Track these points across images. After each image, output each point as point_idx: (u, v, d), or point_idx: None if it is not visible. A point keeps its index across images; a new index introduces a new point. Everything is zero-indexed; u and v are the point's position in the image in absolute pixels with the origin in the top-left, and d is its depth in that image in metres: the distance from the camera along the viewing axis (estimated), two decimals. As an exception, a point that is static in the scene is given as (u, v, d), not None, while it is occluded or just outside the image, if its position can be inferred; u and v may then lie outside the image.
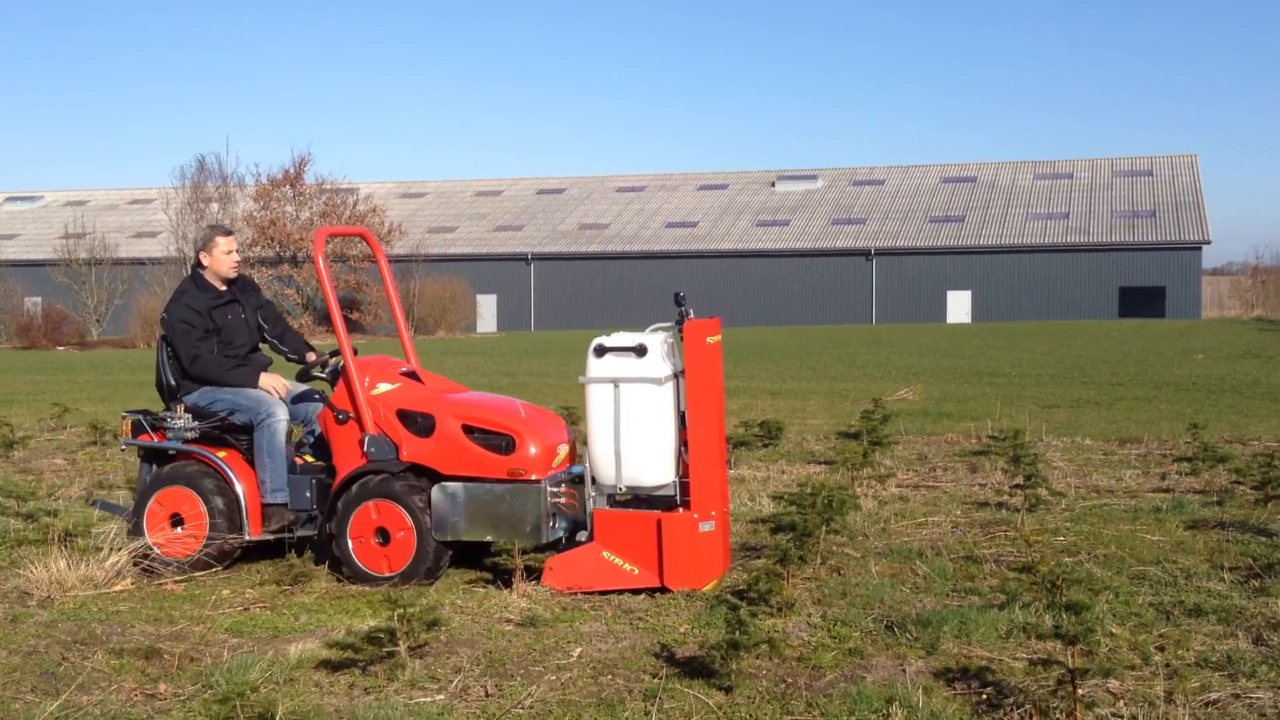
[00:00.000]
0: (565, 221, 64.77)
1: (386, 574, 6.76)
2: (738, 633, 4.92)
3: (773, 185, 66.55)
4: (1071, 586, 5.57)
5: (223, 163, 75.11)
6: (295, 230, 54.36)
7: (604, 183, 70.28)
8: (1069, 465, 10.68)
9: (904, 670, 5.16)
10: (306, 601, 6.51)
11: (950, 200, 62.24)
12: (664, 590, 6.43)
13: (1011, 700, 4.69)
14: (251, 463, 7.20)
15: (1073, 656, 4.59)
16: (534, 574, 6.57)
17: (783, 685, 5.01)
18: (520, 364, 28.10)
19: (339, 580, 6.87)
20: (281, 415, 7.17)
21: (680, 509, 6.56)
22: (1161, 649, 5.39)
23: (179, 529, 7.07)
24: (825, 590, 6.45)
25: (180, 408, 7.28)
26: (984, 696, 4.81)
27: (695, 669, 5.14)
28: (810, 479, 8.80)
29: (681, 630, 5.84)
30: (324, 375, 7.42)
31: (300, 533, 7.17)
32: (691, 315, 6.65)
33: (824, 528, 6.85)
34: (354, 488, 6.86)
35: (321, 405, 7.40)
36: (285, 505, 7.13)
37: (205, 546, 7.04)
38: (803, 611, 6.03)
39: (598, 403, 6.64)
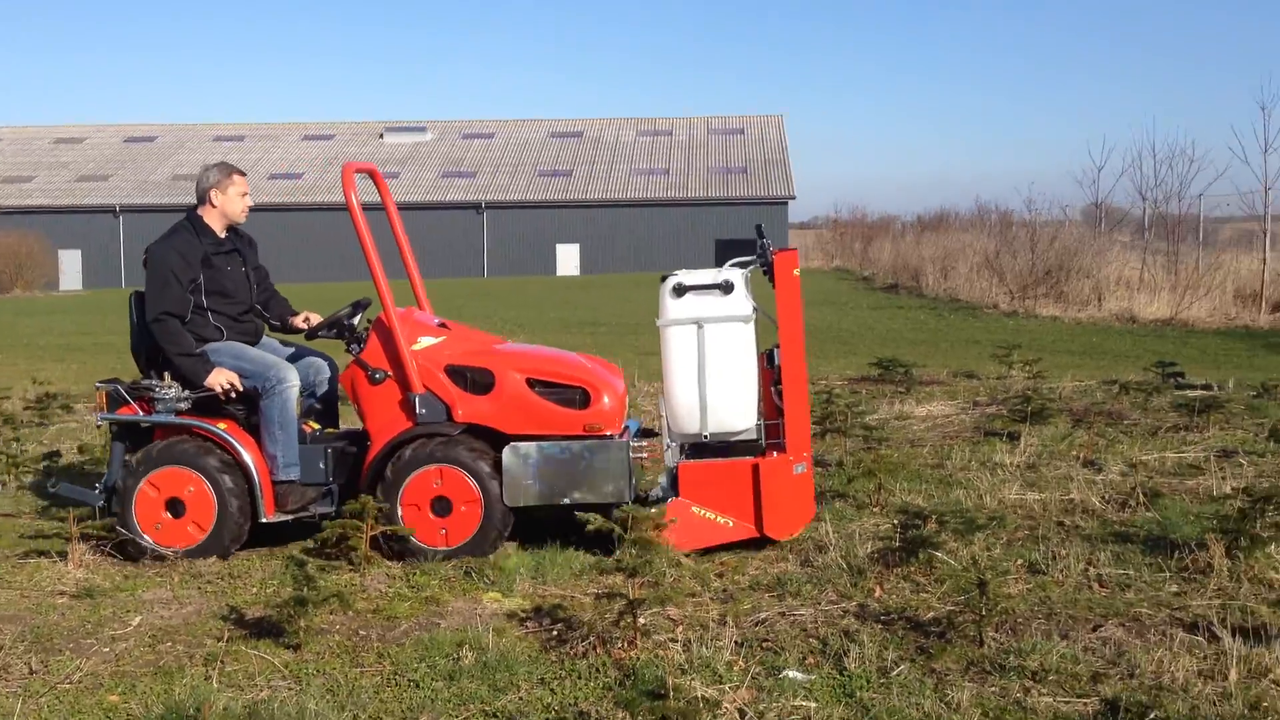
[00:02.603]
0: (157, 172, 60.97)
1: (447, 547, 6.09)
2: (305, 589, 4.81)
3: (381, 136, 65.39)
4: (642, 524, 5.80)
5: None
6: None
7: (199, 131, 66.65)
8: (658, 409, 11.11)
9: (479, 614, 5.22)
10: None
11: (558, 155, 63.35)
12: (766, 541, 6.05)
13: (578, 634, 4.84)
14: (254, 434, 6.33)
15: (633, 588, 4.79)
16: (92, 540, 6.13)
17: (355, 638, 4.96)
18: (107, 322, 26.27)
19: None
20: (293, 380, 6.30)
21: (773, 453, 6.11)
22: (720, 575, 5.73)
23: (178, 515, 6.16)
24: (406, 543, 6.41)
25: (168, 374, 6.28)
26: (554, 633, 4.94)
27: (264, 629, 5.00)
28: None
29: (252, 591, 5.65)
30: (330, 334, 6.57)
31: (318, 510, 6.35)
32: (772, 248, 6.26)
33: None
34: (405, 454, 6.12)
35: (325, 366, 6.67)
36: (296, 481, 6.33)
37: (214, 533, 6.14)
38: (382, 564, 5.97)
39: (679, 345, 6.17)
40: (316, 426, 6.66)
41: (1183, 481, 7.30)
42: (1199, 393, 10.34)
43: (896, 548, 5.73)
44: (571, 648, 4.73)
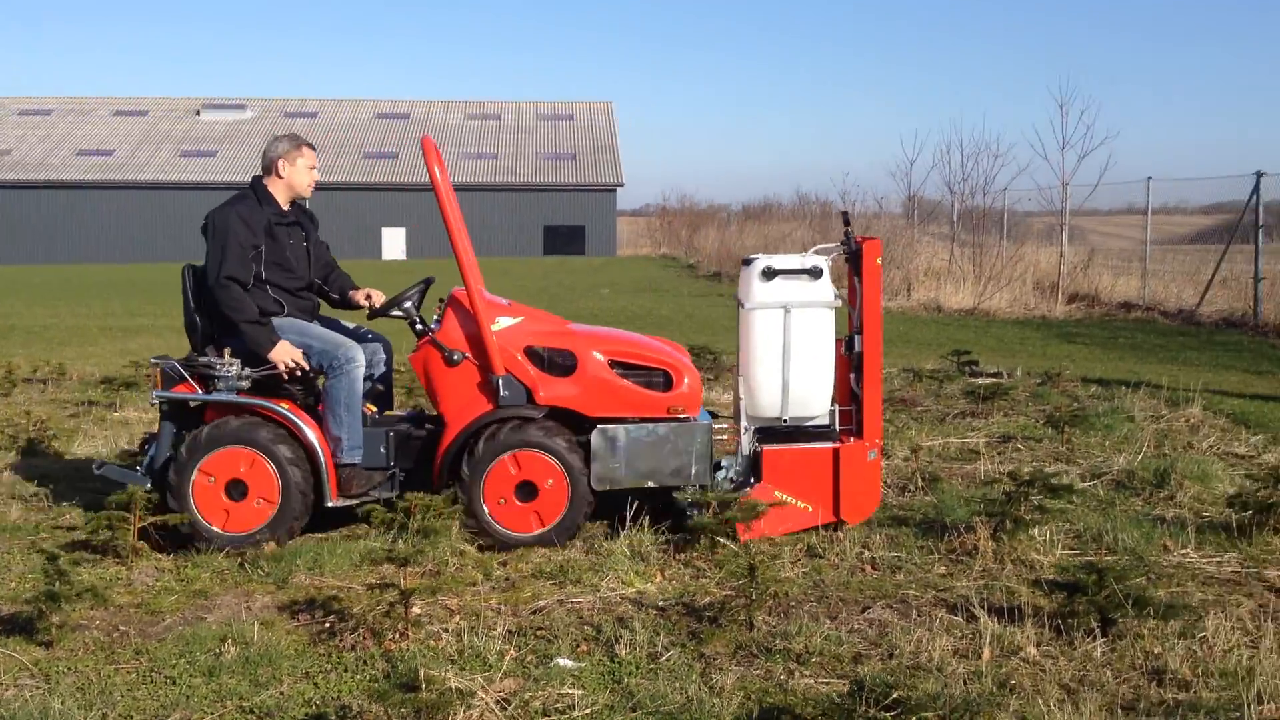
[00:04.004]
0: (-44, 145, 57.88)
1: (532, 533, 5.95)
2: (57, 583, 4.60)
3: (198, 114, 63.29)
4: (426, 513, 5.73)
5: None
6: None
7: (2, 105, 63.48)
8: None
9: (248, 607, 5.07)
10: None
11: (384, 137, 62.32)
12: (840, 524, 6.03)
13: (348, 626, 4.74)
14: (313, 415, 6.08)
15: (405, 578, 4.72)
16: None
17: (114, 635, 4.76)
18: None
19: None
20: (361, 360, 6.03)
21: (850, 440, 6.12)
22: (504, 564, 5.69)
23: (241, 497, 5.90)
24: (181, 534, 6.19)
25: (228, 352, 5.99)
26: (326, 625, 4.83)
27: (16, 626, 4.76)
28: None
29: (10, 586, 5.38)
30: (399, 314, 6.24)
31: (381, 495, 6.10)
32: (855, 236, 6.18)
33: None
34: (486, 438, 5.92)
35: (382, 347, 6.38)
36: (359, 465, 6.08)
37: (277, 517, 5.88)
38: (151, 557, 5.76)
39: (763, 329, 6.07)
40: (374, 409, 6.46)
41: (961, 466, 7.56)
42: (989, 380, 10.73)
43: (680, 534, 5.78)
44: (341, 640, 4.63)
